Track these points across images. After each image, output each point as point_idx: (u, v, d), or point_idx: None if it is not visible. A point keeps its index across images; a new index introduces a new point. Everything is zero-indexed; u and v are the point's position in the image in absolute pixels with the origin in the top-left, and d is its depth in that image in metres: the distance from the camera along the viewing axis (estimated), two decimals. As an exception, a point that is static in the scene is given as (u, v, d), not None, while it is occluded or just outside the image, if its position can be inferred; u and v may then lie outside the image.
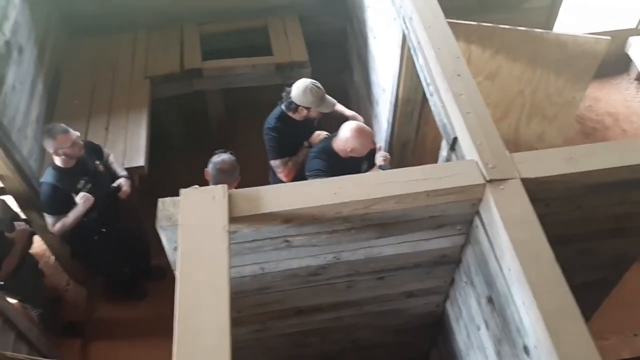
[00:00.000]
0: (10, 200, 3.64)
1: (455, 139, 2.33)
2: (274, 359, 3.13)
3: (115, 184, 3.60)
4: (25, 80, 3.82)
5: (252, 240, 2.10)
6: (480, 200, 2.10)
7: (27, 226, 3.66)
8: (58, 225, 3.38)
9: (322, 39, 4.93)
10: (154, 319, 4.00)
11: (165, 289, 3.27)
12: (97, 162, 3.58)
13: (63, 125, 3.30)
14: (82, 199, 3.35)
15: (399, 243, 2.32)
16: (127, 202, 3.72)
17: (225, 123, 5.16)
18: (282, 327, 2.79)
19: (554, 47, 3.41)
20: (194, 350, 1.57)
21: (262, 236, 2.09)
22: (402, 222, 2.18)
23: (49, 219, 3.39)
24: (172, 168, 4.64)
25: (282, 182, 3.63)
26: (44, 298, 3.95)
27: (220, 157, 3.13)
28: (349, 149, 3.31)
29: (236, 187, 2.94)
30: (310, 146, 3.62)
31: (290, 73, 4.49)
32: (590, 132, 5.47)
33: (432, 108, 2.62)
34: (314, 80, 3.49)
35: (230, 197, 1.94)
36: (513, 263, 1.87)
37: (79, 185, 3.40)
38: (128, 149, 3.95)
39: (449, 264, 2.53)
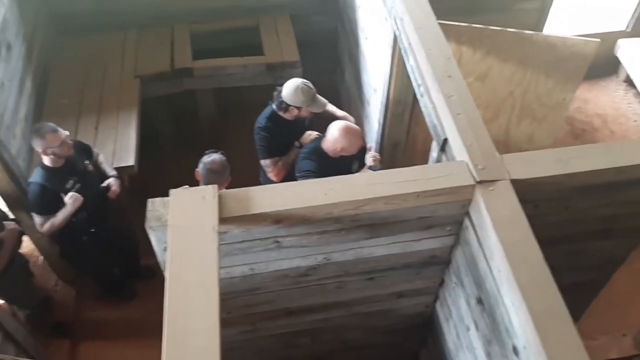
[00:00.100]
0: (-2, 200, 3.61)
1: (445, 140, 2.34)
2: (264, 360, 3.13)
3: (104, 184, 3.58)
4: (14, 78, 3.79)
5: (242, 241, 2.10)
6: (470, 201, 2.10)
7: (17, 225, 3.63)
8: (47, 226, 3.36)
9: (314, 39, 4.93)
10: (143, 319, 3.97)
11: (154, 289, 3.24)
12: (87, 162, 3.55)
13: (52, 124, 3.27)
14: (71, 199, 3.33)
15: (389, 244, 2.32)
16: (117, 202, 3.70)
17: (215, 123, 5.14)
18: (272, 328, 2.79)
19: (543, 49, 3.43)
20: (183, 351, 1.56)
21: (252, 237, 2.09)
22: (392, 222, 2.18)
23: (37, 219, 3.37)
24: (162, 168, 4.62)
25: (273, 181, 3.63)
26: (33, 298, 3.92)
27: (211, 157, 3.12)
28: (339, 149, 3.31)
29: (227, 188, 2.95)
30: (301, 146, 3.62)
31: (281, 73, 4.48)
32: (579, 133, 5.50)
33: (423, 109, 2.62)
34: (305, 80, 3.49)
35: (220, 197, 1.93)
36: (502, 264, 1.87)
37: (68, 185, 3.38)
38: (118, 149, 3.92)
39: (438, 264, 2.54)
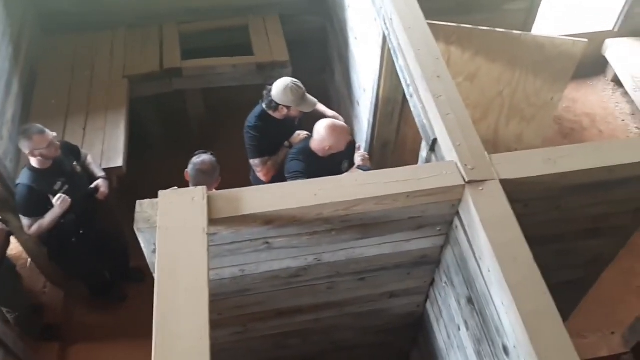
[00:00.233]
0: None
1: (434, 140, 2.34)
2: (255, 361, 3.12)
3: (92, 185, 3.55)
4: (0, 78, 3.75)
5: (232, 242, 2.09)
6: (459, 201, 2.11)
7: (4, 226, 3.59)
8: (34, 228, 3.33)
9: (303, 39, 4.93)
10: (133, 322, 3.95)
11: (144, 291, 3.23)
12: (75, 163, 3.52)
13: (39, 125, 3.24)
14: (58, 201, 3.30)
15: (380, 244, 2.32)
16: (105, 203, 3.67)
17: (205, 123, 5.12)
18: (262, 329, 2.78)
19: (532, 49, 3.45)
20: (173, 353, 1.55)
21: (242, 238, 2.08)
22: (383, 223, 2.18)
23: (25, 220, 3.33)
24: (151, 168, 4.59)
25: (263, 181, 3.62)
26: (21, 301, 3.88)
27: (201, 158, 3.10)
28: (327, 147, 3.31)
29: (217, 188, 2.94)
30: (290, 146, 3.61)
31: (271, 73, 4.47)
32: (568, 132, 5.54)
33: (412, 109, 2.63)
34: (294, 79, 3.49)
35: (209, 198, 1.92)
36: (492, 263, 1.88)
37: (56, 187, 3.35)
38: (106, 150, 3.89)
39: (429, 264, 2.54)
